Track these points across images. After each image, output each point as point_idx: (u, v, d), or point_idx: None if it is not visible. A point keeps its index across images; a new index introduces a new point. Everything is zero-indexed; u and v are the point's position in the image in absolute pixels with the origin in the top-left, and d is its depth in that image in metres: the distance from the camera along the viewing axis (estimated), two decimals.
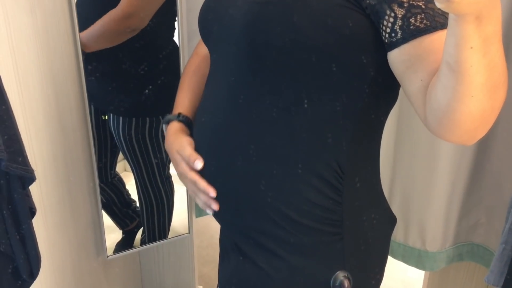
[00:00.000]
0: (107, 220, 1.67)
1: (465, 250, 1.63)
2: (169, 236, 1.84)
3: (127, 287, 1.96)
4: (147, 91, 1.58)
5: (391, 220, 0.99)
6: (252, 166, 0.87)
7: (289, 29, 0.78)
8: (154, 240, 1.81)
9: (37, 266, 1.04)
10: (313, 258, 0.89)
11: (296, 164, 0.85)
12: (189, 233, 1.84)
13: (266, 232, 0.89)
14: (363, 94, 0.82)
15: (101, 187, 1.56)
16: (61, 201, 1.39)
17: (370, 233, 0.91)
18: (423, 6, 0.72)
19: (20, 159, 0.95)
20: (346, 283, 0.88)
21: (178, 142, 0.99)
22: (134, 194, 1.79)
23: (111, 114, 1.61)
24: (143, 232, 1.81)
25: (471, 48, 0.61)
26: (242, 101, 0.87)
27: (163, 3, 1.50)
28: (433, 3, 0.63)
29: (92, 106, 1.46)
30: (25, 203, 1.00)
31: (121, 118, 1.60)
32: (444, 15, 0.72)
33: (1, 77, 0.94)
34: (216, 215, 0.98)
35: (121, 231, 1.81)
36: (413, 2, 0.72)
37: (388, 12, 0.74)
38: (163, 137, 1.07)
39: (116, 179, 1.72)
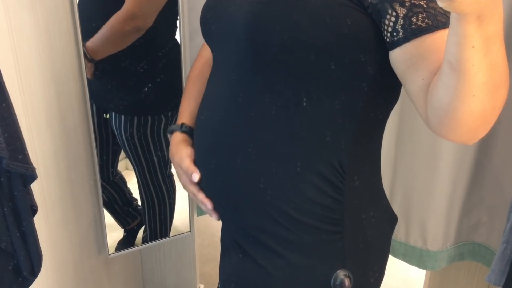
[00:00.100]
0: (108, 218, 1.67)
1: (467, 250, 1.63)
2: (171, 234, 1.84)
3: (129, 286, 1.97)
4: (146, 89, 1.59)
5: (392, 219, 0.99)
6: (252, 164, 0.88)
7: (289, 27, 0.78)
8: (156, 238, 1.81)
9: (39, 264, 1.04)
10: (314, 257, 0.89)
11: (296, 162, 0.85)
12: (190, 231, 1.84)
13: (266, 230, 0.90)
14: (362, 92, 0.82)
15: (102, 186, 1.56)
16: (62, 199, 1.39)
17: (370, 231, 0.92)
18: (425, 5, 0.72)
19: (21, 156, 0.95)
20: (346, 282, 0.88)
21: (179, 155, 1.02)
22: (135, 193, 1.79)
23: (113, 113, 1.61)
24: (145, 231, 1.82)
25: (473, 47, 0.61)
26: (242, 99, 0.88)
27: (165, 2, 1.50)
28: (435, 2, 0.63)
29: (93, 105, 1.46)
30: (26, 201, 1.00)
31: (122, 116, 1.60)
32: (446, 14, 0.72)
33: (3, 75, 0.94)
34: (218, 211, 0.99)
35: (122, 230, 1.81)
36: (415, 1, 0.72)
37: (389, 11, 0.74)
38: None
39: (117, 177, 1.73)
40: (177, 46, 1.57)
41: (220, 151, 0.92)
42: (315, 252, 0.89)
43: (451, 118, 0.70)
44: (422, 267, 1.65)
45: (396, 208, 1.53)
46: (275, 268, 0.90)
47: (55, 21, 1.27)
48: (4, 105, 0.92)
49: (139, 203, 1.81)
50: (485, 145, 1.46)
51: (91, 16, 1.44)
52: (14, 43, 1.12)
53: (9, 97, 0.94)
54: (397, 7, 0.73)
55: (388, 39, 0.76)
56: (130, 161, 1.70)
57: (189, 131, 1.06)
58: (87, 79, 1.41)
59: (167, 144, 1.69)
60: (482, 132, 0.73)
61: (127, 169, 1.79)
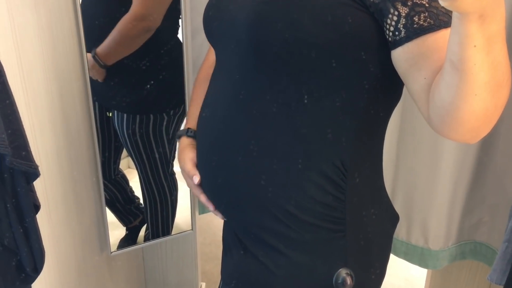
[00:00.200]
0: (110, 216, 1.68)
1: (468, 249, 1.63)
2: (173, 232, 1.84)
3: (131, 283, 1.97)
4: (149, 86, 1.59)
5: (393, 217, 0.99)
6: (253, 161, 0.88)
7: (290, 26, 0.79)
8: (158, 236, 1.82)
9: (41, 261, 1.04)
10: (315, 255, 0.89)
11: (297, 159, 0.86)
12: (192, 230, 1.84)
13: (267, 227, 0.90)
14: (363, 90, 0.83)
15: (104, 184, 1.57)
16: (65, 197, 1.39)
17: (372, 229, 0.92)
18: (427, 5, 0.72)
19: (24, 154, 0.96)
20: (348, 280, 0.88)
21: (183, 159, 1.06)
22: (137, 191, 1.79)
23: (115, 111, 1.61)
24: (147, 229, 1.82)
25: (475, 46, 0.61)
26: (243, 97, 0.88)
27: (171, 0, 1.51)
28: (437, 1, 0.63)
29: (96, 103, 1.47)
30: (29, 198, 1.00)
31: (125, 114, 1.61)
32: (448, 14, 0.72)
33: (6, 74, 0.94)
34: (219, 209, 0.99)
35: (124, 228, 1.81)
36: (417, 1, 0.72)
37: (391, 10, 0.74)
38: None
39: (119, 176, 1.73)
40: (179, 44, 1.57)
41: (222, 148, 0.92)
42: (317, 251, 0.89)
43: (453, 117, 0.70)
44: (423, 266, 1.65)
45: (397, 207, 1.53)
46: (276, 266, 0.90)
47: (58, 20, 1.27)
48: (7, 102, 0.93)
49: (141, 201, 1.81)
50: (487, 144, 1.46)
51: (94, 14, 1.44)
52: (17, 41, 1.12)
53: (12, 94, 0.94)
54: (399, 6, 0.73)
55: (390, 38, 0.76)
56: (132, 159, 1.70)
57: (195, 136, 1.08)
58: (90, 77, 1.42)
59: (169, 142, 1.70)
60: (484, 131, 0.73)
61: (129, 167, 1.79)
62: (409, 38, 0.74)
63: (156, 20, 1.49)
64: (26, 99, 1.17)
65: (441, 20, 0.72)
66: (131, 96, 1.61)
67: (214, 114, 0.94)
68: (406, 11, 0.73)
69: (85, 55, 1.38)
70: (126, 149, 1.68)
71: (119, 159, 1.71)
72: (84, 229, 1.53)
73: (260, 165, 0.88)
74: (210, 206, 1.00)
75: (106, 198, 1.59)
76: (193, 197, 1.78)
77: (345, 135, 0.85)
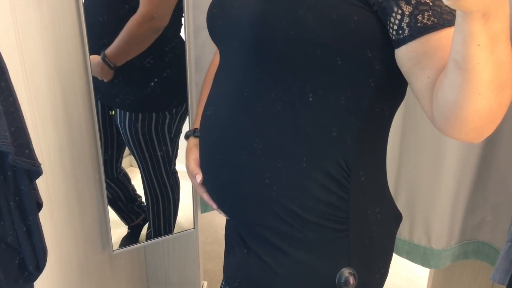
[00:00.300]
0: (113, 215, 1.68)
1: (471, 248, 1.63)
2: (175, 231, 1.84)
3: (132, 282, 1.97)
4: (152, 84, 1.59)
5: (397, 217, 0.99)
6: (257, 160, 0.88)
7: (294, 23, 0.78)
8: (160, 235, 1.82)
9: (44, 259, 1.05)
10: (318, 254, 0.89)
11: (301, 158, 0.85)
12: (194, 228, 1.84)
13: (271, 226, 0.90)
14: (368, 88, 0.82)
15: (106, 183, 1.57)
16: (67, 195, 1.40)
17: (375, 229, 0.91)
18: (431, 3, 0.72)
19: (26, 151, 0.96)
20: (351, 279, 0.88)
21: (188, 159, 1.07)
22: (139, 190, 1.79)
23: (118, 109, 1.61)
24: (149, 227, 1.82)
25: (478, 45, 0.61)
26: (247, 95, 0.88)
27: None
28: (441, 0, 0.63)
29: (98, 101, 1.47)
30: (31, 196, 1.00)
31: (127, 113, 1.61)
32: (452, 12, 0.71)
33: (9, 71, 0.94)
34: (222, 208, 0.99)
35: (126, 226, 1.81)
36: None
37: (395, 9, 0.74)
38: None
39: (121, 174, 1.73)
40: (181, 43, 1.57)
41: (226, 147, 0.92)
42: (320, 250, 0.89)
43: (457, 117, 0.70)
44: (426, 266, 1.65)
45: (400, 206, 1.53)
46: (279, 265, 0.90)
47: (60, 18, 1.27)
48: (11, 99, 0.93)
49: (143, 200, 1.81)
50: (490, 144, 1.45)
51: (97, 12, 1.45)
52: (20, 39, 1.12)
53: (15, 92, 0.95)
54: (402, 5, 0.73)
55: (393, 37, 0.76)
56: (135, 157, 1.70)
57: None
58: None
59: (171, 140, 1.70)
60: (488, 131, 0.72)
61: (131, 166, 1.79)
62: (412, 37, 0.73)
63: (164, 19, 1.50)
64: (29, 97, 1.17)
65: (445, 18, 0.71)
66: (134, 94, 1.61)
67: (218, 112, 0.94)
68: (409, 10, 0.72)
69: (88, 53, 1.38)
70: (128, 148, 1.68)
71: (121, 158, 1.71)
72: (86, 228, 1.53)
73: (265, 164, 0.87)
74: (214, 205, 1.00)
75: (108, 197, 1.59)
76: (195, 195, 1.78)
77: (349, 134, 0.85)
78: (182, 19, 1.55)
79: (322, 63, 0.80)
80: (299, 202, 0.87)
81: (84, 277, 1.56)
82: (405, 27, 0.74)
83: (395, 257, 1.04)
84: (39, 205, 1.04)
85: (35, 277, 1.06)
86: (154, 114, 1.63)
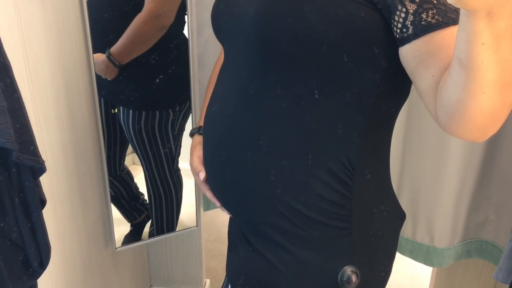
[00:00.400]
0: (115, 212, 1.68)
1: (474, 247, 1.63)
2: (177, 229, 1.84)
3: (135, 279, 1.98)
4: (157, 81, 1.59)
5: (400, 215, 0.99)
6: (262, 157, 0.87)
7: (299, 21, 0.78)
8: (162, 233, 1.82)
9: (47, 256, 1.05)
10: (321, 253, 0.89)
11: (306, 156, 0.85)
12: (197, 226, 1.85)
13: (274, 225, 0.90)
14: (374, 85, 0.82)
15: (109, 180, 1.57)
16: (70, 193, 1.40)
17: (378, 227, 0.91)
18: (435, 2, 0.71)
19: (31, 148, 0.96)
20: (353, 278, 0.88)
21: (192, 156, 1.08)
22: (142, 188, 1.79)
23: (121, 107, 1.61)
24: (152, 225, 1.82)
25: (483, 44, 0.61)
26: (252, 92, 0.87)
27: None
28: None
29: (101, 99, 1.47)
30: (35, 193, 1.00)
31: (131, 111, 1.61)
32: (456, 11, 0.71)
33: (12, 68, 0.94)
34: (225, 206, 0.99)
35: (129, 224, 1.82)
36: None
37: (399, 7, 0.73)
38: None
39: (124, 172, 1.73)
40: (185, 40, 1.57)
41: (230, 144, 0.92)
42: (323, 248, 0.89)
43: (461, 116, 0.69)
44: (428, 264, 1.65)
45: (403, 205, 1.53)
46: (282, 263, 0.90)
47: (64, 14, 1.27)
48: (15, 95, 0.93)
49: (146, 198, 1.81)
50: (494, 143, 1.45)
51: (102, 8, 1.45)
52: (24, 36, 1.12)
53: (18, 89, 0.95)
54: (407, 3, 0.73)
55: (397, 35, 0.76)
56: (138, 155, 1.70)
57: None
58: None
59: (175, 138, 1.70)
60: (492, 130, 0.72)
61: (134, 163, 1.79)
62: (416, 35, 0.73)
63: (170, 17, 1.50)
64: (32, 95, 1.17)
65: (449, 17, 0.71)
66: (137, 92, 1.61)
67: (222, 110, 0.93)
68: (414, 8, 0.72)
69: (91, 51, 1.38)
70: (131, 145, 1.68)
71: (125, 155, 1.71)
72: (90, 225, 1.54)
73: (270, 161, 0.87)
74: (217, 203, 1.00)
75: (111, 194, 1.59)
76: (198, 193, 1.78)
77: (355, 131, 0.85)
78: (186, 17, 1.55)
79: (328, 60, 0.80)
80: (303, 201, 0.87)
81: (87, 274, 1.56)
82: (409, 26, 0.73)
83: (398, 256, 1.04)
84: (42, 202, 1.05)
85: (38, 274, 1.06)
86: (157, 112, 1.63)
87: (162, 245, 2.02)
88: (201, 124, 1.11)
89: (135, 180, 1.78)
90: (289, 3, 0.79)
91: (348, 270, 0.88)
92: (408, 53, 0.76)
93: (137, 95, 1.60)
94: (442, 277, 1.78)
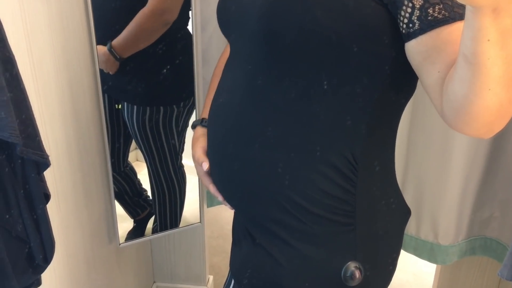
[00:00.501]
0: (119, 209, 1.68)
1: (478, 244, 1.62)
2: (181, 225, 1.85)
3: (139, 275, 1.98)
4: (161, 77, 1.59)
5: (405, 211, 0.98)
6: (270, 149, 0.87)
7: (306, 14, 0.78)
8: (166, 229, 1.82)
9: (51, 251, 1.05)
10: (325, 248, 0.89)
11: (314, 148, 0.85)
12: (200, 222, 1.85)
13: (278, 220, 0.90)
14: (384, 75, 0.81)
15: (113, 176, 1.57)
16: (74, 188, 1.40)
17: (382, 223, 0.91)
18: None
19: (35, 140, 0.96)
20: (357, 273, 0.88)
21: (194, 148, 1.06)
22: (145, 184, 1.80)
23: (125, 103, 1.61)
24: (155, 221, 1.83)
25: (488, 40, 0.61)
26: (260, 84, 0.87)
27: None
28: None
29: (105, 95, 1.47)
30: (39, 188, 1.01)
31: (135, 106, 1.61)
32: (463, 6, 0.71)
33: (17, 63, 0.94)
34: (229, 201, 0.99)
35: (132, 220, 1.82)
36: None
37: (406, 2, 0.73)
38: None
39: (128, 168, 1.73)
40: (189, 36, 1.57)
41: (237, 137, 0.91)
42: (326, 243, 0.89)
43: (467, 112, 0.69)
44: (432, 261, 1.65)
45: (407, 201, 1.52)
46: (286, 258, 0.90)
47: (68, 9, 1.27)
48: (21, 87, 0.93)
49: (149, 194, 1.81)
50: (498, 139, 1.45)
51: (104, 5, 1.44)
52: (28, 31, 1.12)
53: (23, 83, 0.95)
54: None
55: (404, 31, 0.75)
56: (141, 151, 1.70)
57: None
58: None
59: (179, 134, 1.70)
60: (498, 126, 0.72)
61: (137, 160, 1.79)
62: (423, 30, 0.73)
63: (174, 13, 1.50)
64: (36, 89, 1.17)
65: (456, 12, 0.71)
66: (141, 88, 1.61)
67: (229, 102, 0.93)
68: (420, 3, 0.72)
69: (95, 46, 1.38)
70: (135, 141, 1.68)
71: (128, 151, 1.72)
72: (93, 221, 1.54)
73: (277, 154, 0.87)
74: (220, 196, 1.00)
75: (114, 190, 1.60)
76: (201, 190, 1.78)
77: (364, 123, 0.84)
78: (190, 12, 1.55)
79: (338, 50, 0.79)
80: (307, 196, 0.86)
81: (91, 269, 1.56)
82: (415, 21, 0.73)
83: (402, 253, 1.04)
84: (47, 197, 1.05)
85: (42, 269, 1.06)
86: (162, 108, 1.63)
87: (165, 241, 2.02)
88: (204, 116, 1.10)
89: (138, 177, 1.79)
90: None
91: (352, 266, 0.88)
92: (414, 49, 0.75)
93: (141, 91, 1.60)
94: (446, 274, 1.78)
